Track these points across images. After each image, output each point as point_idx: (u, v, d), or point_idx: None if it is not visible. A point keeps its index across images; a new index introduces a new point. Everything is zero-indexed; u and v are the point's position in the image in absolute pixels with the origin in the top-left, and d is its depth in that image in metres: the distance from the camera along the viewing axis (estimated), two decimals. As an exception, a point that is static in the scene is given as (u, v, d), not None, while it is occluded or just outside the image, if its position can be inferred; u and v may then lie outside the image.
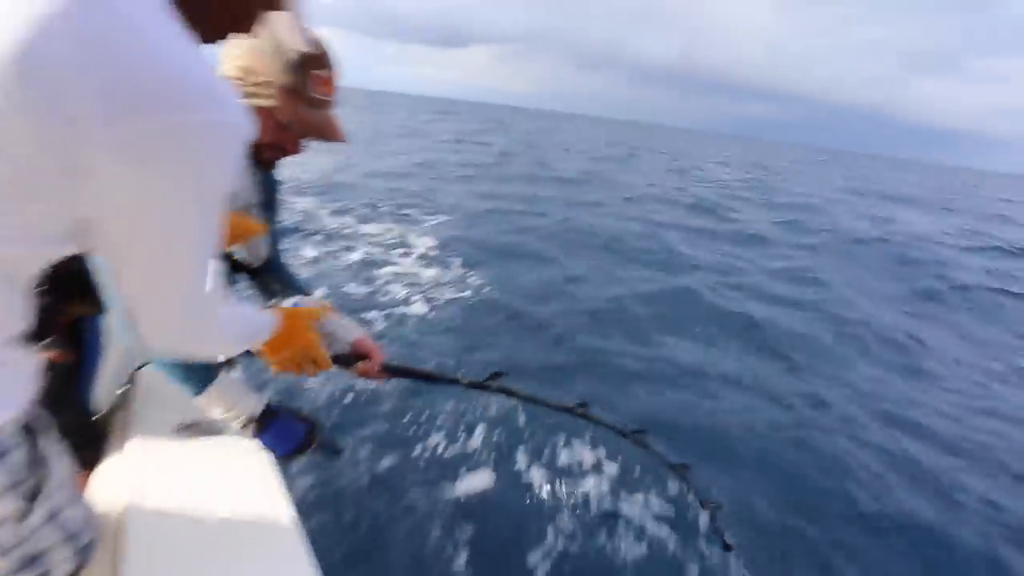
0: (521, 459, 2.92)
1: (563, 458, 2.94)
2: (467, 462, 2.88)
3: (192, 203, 0.55)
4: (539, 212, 9.30)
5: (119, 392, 1.16)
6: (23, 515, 0.67)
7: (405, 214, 8.12)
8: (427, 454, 2.92)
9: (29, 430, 0.67)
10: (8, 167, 0.48)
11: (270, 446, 1.05)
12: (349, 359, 1.15)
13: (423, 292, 5.02)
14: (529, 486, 2.74)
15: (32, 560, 0.69)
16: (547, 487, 2.73)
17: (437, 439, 3.03)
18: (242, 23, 0.63)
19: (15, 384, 0.62)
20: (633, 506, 2.65)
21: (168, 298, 0.62)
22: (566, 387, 3.74)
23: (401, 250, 6.23)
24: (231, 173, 0.56)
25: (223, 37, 0.63)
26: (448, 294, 5.08)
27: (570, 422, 1.47)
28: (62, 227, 0.54)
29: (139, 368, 1.18)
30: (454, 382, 1.36)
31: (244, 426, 1.03)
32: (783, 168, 36.51)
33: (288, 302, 1.17)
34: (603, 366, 4.11)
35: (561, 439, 3.02)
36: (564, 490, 2.71)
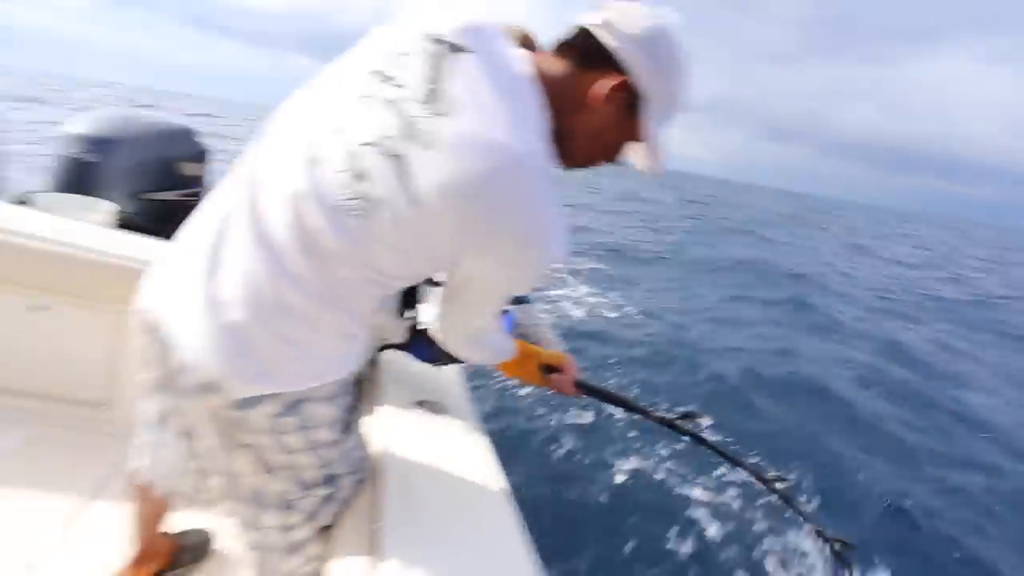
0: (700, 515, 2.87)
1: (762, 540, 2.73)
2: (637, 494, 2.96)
3: (507, 288, 0.88)
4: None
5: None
6: (336, 444, 0.92)
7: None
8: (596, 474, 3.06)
9: (355, 384, 0.96)
10: (423, 243, 0.79)
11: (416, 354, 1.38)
12: (548, 369, 1.33)
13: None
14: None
15: (330, 479, 0.94)
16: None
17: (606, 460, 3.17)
18: (604, 158, 0.92)
19: (359, 351, 0.91)
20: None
21: (468, 322, 0.96)
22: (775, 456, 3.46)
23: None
24: (539, 280, 0.88)
25: (591, 165, 0.92)
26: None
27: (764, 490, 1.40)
28: (428, 273, 0.94)
29: (380, 349, 1.45)
30: (643, 413, 1.40)
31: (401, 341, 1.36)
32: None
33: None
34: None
35: (756, 509, 2.84)
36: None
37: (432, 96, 0.75)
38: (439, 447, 1.18)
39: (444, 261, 0.84)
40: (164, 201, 3.17)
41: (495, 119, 0.75)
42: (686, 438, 1.37)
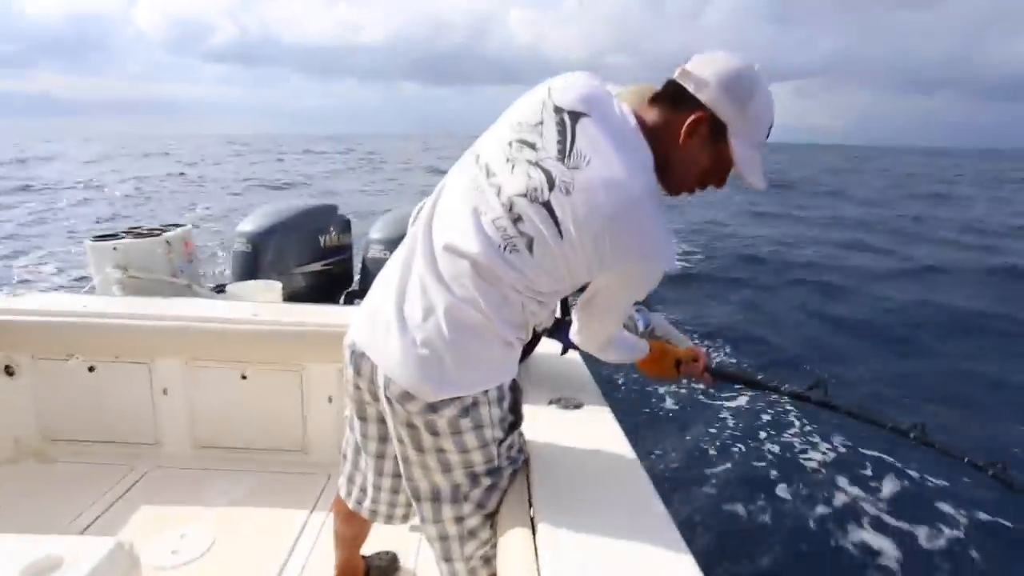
0: (840, 477, 2.84)
1: (889, 486, 2.72)
2: (779, 470, 2.99)
3: (629, 297, 1.09)
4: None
5: None
6: (502, 441, 1.09)
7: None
8: (737, 456, 3.15)
9: (514, 386, 1.11)
10: (569, 268, 0.99)
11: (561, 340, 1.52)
12: (680, 362, 1.44)
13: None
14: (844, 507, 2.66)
15: (495, 471, 1.09)
16: (868, 511, 2.61)
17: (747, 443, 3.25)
18: (705, 182, 1.08)
19: (516, 358, 1.09)
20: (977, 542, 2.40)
21: (601, 329, 1.17)
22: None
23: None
24: (654, 287, 1.05)
25: (696, 189, 1.09)
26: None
27: (902, 444, 1.43)
28: (574, 289, 1.08)
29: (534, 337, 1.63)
30: (775, 390, 1.52)
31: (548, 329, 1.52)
32: None
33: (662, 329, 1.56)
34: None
35: (889, 461, 2.82)
36: (894, 520, 2.55)
37: (564, 154, 0.96)
38: (577, 438, 1.30)
39: (584, 279, 1.04)
40: (317, 272, 3.66)
41: (613, 166, 0.95)
42: (822, 408, 1.42)
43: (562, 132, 0.98)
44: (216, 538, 1.76)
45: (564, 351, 1.64)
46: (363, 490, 1.30)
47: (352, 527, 1.44)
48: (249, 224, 3.56)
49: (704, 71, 0.99)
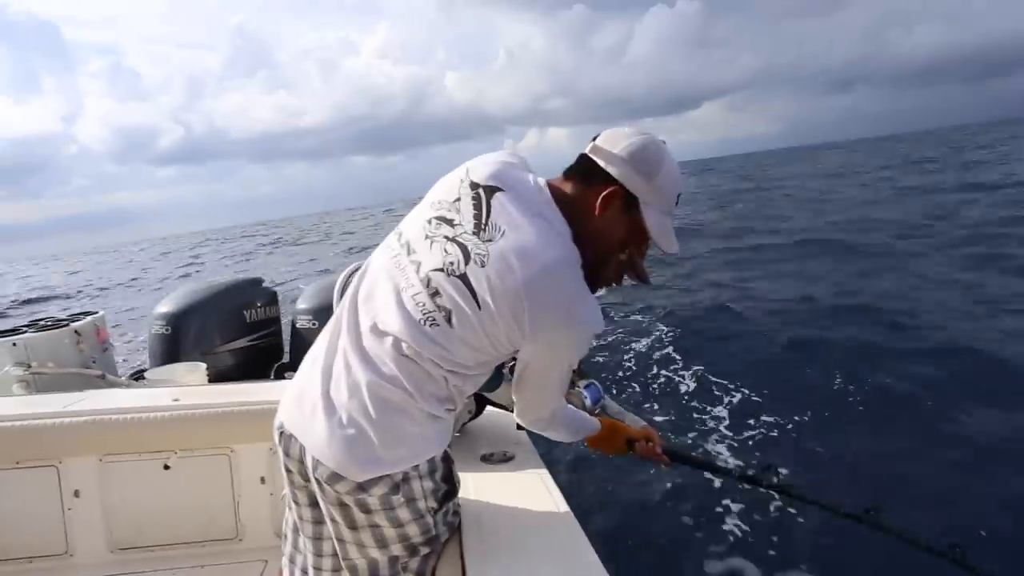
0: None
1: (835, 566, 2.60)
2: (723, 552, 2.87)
3: (561, 364, 1.09)
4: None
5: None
6: (437, 511, 1.10)
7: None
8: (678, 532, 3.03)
9: (446, 457, 1.13)
10: (489, 339, 1.00)
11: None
12: (634, 442, 1.44)
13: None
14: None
15: (433, 540, 1.10)
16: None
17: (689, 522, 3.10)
18: (611, 283, 1.15)
19: (447, 430, 1.10)
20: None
21: (535, 402, 1.17)
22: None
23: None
24: (584, 352, 1.09)
25: (602, 287, 1.13)
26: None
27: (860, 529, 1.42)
28: (498, 362, 1.10)
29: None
30: (727, 473, 1.55)
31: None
32: None
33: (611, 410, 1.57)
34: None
35: (847, 549, 2.65)
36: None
37: (480, 227, 1.00)
38: (508, 492, 1.31)
39: (507, 350, 1.05)
40: (245, 348, 3.53)
41: (527, 236, 0.99)
42: (771, 492, 1.47)
43: (478, 207, 1.02)
44: None
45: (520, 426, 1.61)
46: (304, 571, 1.25)
47: None
48: (166, 305, 3.41)
49: (614, 147, 1.05)
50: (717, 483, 3.38)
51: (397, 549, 1.06)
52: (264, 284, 3.86)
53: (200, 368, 2.90)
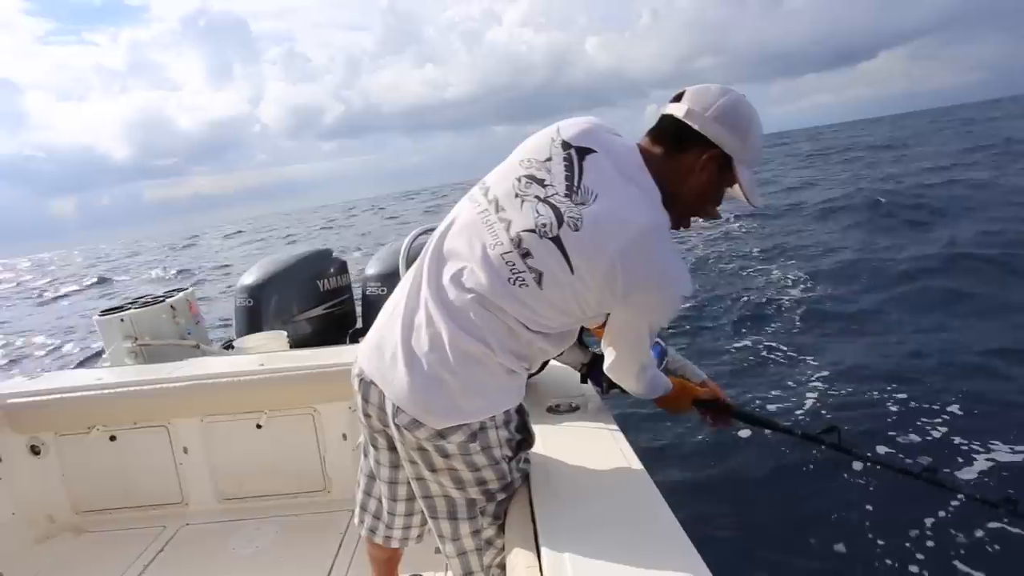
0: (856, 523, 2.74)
1: (906, 529, 2.60)
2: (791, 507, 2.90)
3: (649, 327, 1.12)
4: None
5: None
6: (511, 459, 1.14)
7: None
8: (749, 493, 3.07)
9: (520, 410, 1.16)
10: (578, 302, 1.02)
11: (594, 381, 1.57)
12: (701, 403, 1.47)
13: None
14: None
15: (507, 486, 1.15)
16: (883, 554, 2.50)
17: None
18: (706, 213, 1.16)
19: (523, 384, 1.13)
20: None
21: (625, 359, 1.21)
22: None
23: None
24: (674, 314, 1.13)
25: (697, 217, 1.16)
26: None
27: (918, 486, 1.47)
28: (583, 324, 1.18)
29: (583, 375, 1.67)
30: (789, 432, 1.58)
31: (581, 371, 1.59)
32: None
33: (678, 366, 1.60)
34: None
35: (905, 505, 2.70)
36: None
37: (572, 190, 1.01)
38: (575, 439, 1.36)
39: (595, 313, 1.08)
40: (320, 316, 3.75)
41: (622, 201, 1.00)
42: (834, 451, 1.47)
43: (569, 168, 1.03)
44: None
45: (605, 391, 1.58)
46: (376, 517, 1.35)
47: (384, 550, 1.46)
48: (248, 278, 3.65)
49: (706, 110, 1.05)
50: (785, 445, 3.33)
51: (474, 492, 1.12)
52: (334, 254, 4.04)
53: (282, 336, 3.11)
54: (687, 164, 1.06)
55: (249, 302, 3.58)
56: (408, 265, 2.40)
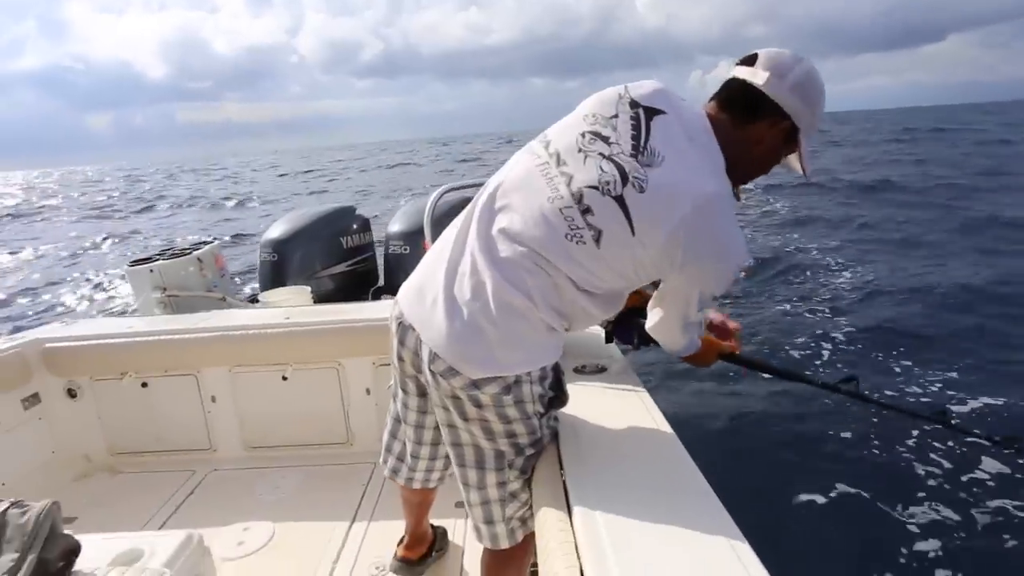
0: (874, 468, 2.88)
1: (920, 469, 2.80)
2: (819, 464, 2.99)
3: (705, 294, 1.10)
4: None
5: None
6: (542, 415, 1.13)
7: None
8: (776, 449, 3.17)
9: (556, 367, 1.15)
10: (636, 265, 1.00)
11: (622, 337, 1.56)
12: (723, 354, 1.46)
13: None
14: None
15: (536, 442, 1.14)
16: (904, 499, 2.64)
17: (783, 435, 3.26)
18: (763, 173, 1.13)
19: (561, 342, 1.11)
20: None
21: (671, 320, 1.19)
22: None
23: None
24: (729, 285, 1.10)
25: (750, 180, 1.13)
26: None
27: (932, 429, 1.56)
28: (636, 286, 1.11)
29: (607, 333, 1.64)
30: (807, 381, 1.58)
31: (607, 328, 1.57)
32: None
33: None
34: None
35: (917, 449, 2.88)
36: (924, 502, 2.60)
37: (638, 150, 0.98)
38: (602, 401, 1.36)
39: (649, 277, 1.06)
40: (343, 273, 3.78)
41: (689, 166, 0.97)
42: (852, 399, 1.52)
43: (636, 127, 0.99)
44: (276, 528, 1.88)
45: (636, 347, 1.57)
46: (400, 459, 1.38)
47: (415, 493, 1.49)
48: (272, 233, 3.68)
49: (783, 78, 1.02)
50: (805, 395, 3.40)
51: (504, 444, 1.11)
52: (357, 211, 4.05)
53: (306, 291, 3.15)
54: (756, 134, 1.04)
55: (274, 257, 3.62)
56: (433, 224, 2.39)
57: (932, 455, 2.81)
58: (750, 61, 1.05)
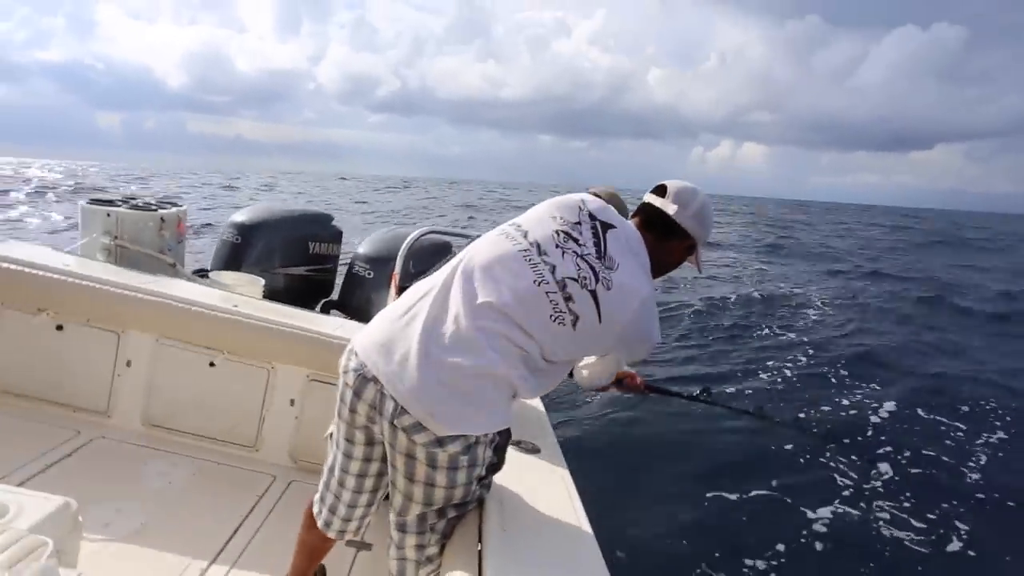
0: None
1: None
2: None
3: (630, 360, 1.48)
4: None
5: None
6: (482, 479, 1.21)
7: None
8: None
9: (504, 433, 1.22)
10: (595, 343, 1.24)
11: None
12: (621, 380, 1.77)
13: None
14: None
15: (464, 506, 1.21)
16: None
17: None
18: (668, 272, 1.41)
19: (509, 409, 1.19)
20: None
21: (609, 371, 1.47)
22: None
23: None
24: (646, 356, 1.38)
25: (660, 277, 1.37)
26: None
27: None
28: (591, 356, 1.42)
29: None
30: (692, 399, 2.23)
31: None
32: None
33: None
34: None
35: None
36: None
37: (600, 255, 1.20)
38: (530, 481, 1.38)
39: (601, 353, 1.38)
40: (301, 276, 3.70)
41: (634, 272, 1.22)
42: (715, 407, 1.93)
43: (596, 237, 1.22)
44: (151, 518, 1.75)
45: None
46: (332, 511, 1.33)
47: (318, 539, 1.42)
48: (242, 215, 3.60)
49: (688, 208, 1.31)
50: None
51: (432, 508, 1.17)
52: (334, 222, 4.01)
53: (258, 282, 3.07)
54: (670, 248, 1.34)
55: (236, 239, 3.52)
56: (408, 262, 2.41)
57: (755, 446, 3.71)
58: (661, 192, 1.34)
